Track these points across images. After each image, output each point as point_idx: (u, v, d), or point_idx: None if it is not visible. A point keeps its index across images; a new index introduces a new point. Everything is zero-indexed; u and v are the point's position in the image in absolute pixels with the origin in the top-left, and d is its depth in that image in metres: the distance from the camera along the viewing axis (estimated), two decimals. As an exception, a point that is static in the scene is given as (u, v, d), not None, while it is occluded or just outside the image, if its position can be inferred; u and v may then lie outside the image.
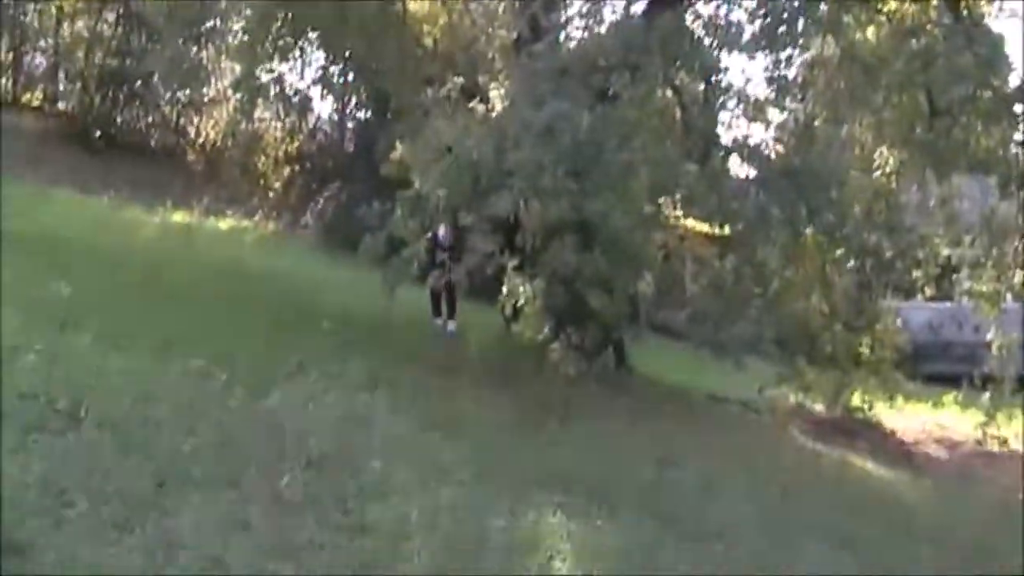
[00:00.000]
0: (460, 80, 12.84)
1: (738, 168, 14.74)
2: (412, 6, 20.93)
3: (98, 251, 14.84)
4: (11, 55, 29.23)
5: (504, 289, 12.45)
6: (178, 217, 23.02)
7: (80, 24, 29.87)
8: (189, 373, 9.93)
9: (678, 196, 13.27)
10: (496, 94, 13.63)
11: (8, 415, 7.72)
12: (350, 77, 28.20)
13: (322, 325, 13.28)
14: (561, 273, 11.96)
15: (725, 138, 14.40)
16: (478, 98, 13.67)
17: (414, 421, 10.24)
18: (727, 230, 14.28)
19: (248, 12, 19.34)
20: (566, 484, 9.34)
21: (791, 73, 13.83)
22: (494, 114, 12.96)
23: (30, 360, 9.13)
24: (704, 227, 27.20)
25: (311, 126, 32.44)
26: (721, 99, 13.77)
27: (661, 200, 14.07)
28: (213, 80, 30.32)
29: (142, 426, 8.19)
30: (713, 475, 10.88)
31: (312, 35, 21.08)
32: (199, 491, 7.25)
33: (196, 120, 31.22)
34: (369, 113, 30.27)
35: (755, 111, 13.68)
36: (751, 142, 13.46)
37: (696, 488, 10.28)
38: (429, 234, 13.24)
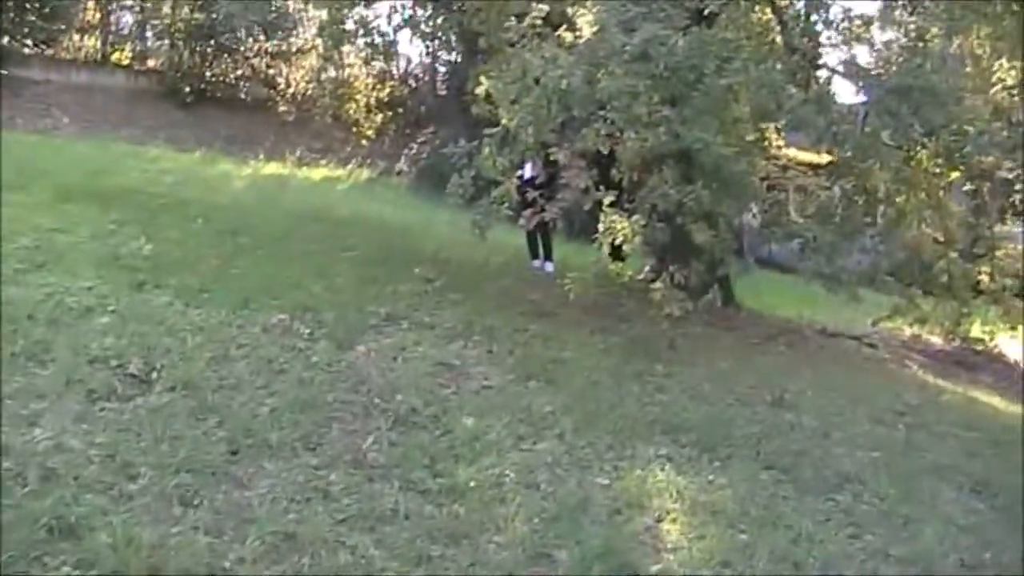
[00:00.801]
0: (545, 7, 11.99)
1: (842, 91, 13.71)
2: (497, -58, 20.24)
3: (185, 206, 14.39)
4: (98, 14, 28.90)
5: (601, 227, 11.63)
6: (270, 169, 22.70)
7: (165, -21, 29.46)
8: (270, 328, 9.38)
9: (783, 121, 12.32)
10: (585, 21, 12.77)
11: (76, 382, 7.22)
12: (438, 20, 27.73)
13: (414, 272, 12.81)
14: (661, 207, 11.16)
15: (830, 59, 13.43)
16: (565, 26, 12.87)
17: (510, 370, 9.58)
18: (831, 156, 13.34)
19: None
20: (673, 433, 8.62)
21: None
22: (583, 41, 12.12)
23: (103, 322, 8.64)
24: (806, 155, 26.21)
25: (402, 71, 32.23)
26: (824, 16, 12.74)
27: (764, 126, 13.26)
28: (300, 29, 29.94)
29: (217, 388, 7.63)
30: (832, 418, 10.08)
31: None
32: (275, 457, 6.66)
33: (286, 71, 30.84)
34: (459, 55, 29.79)
35: (862, 27, 12.64)
36: (858, 61, 12.39)
37: (814, 433, 9.48)
38: (519, 171, 12.47)
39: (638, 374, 10.32)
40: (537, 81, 11.44)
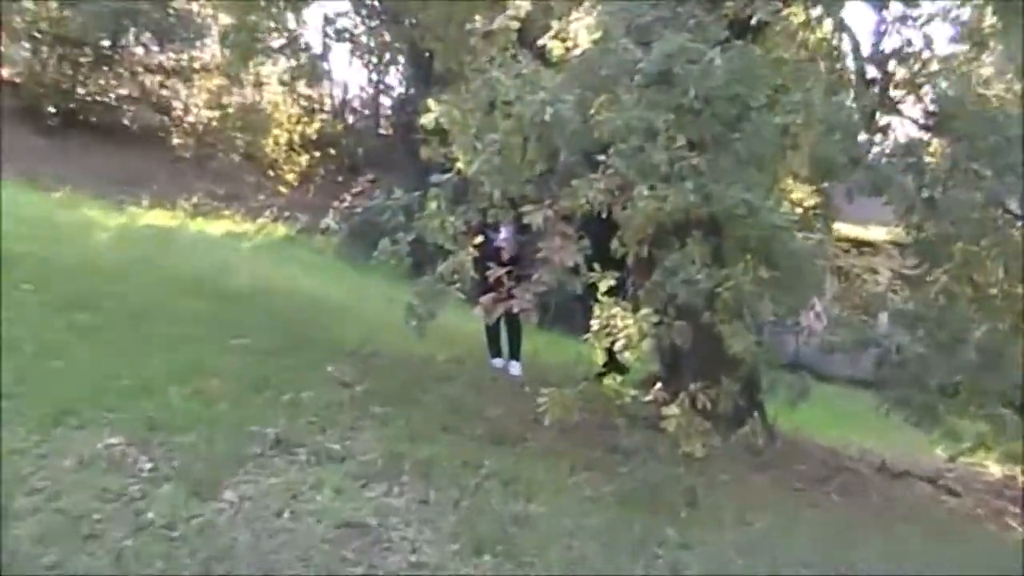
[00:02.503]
0: (524, 3, 10.47)
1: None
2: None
3: (13, 265, 12.69)
4: (-59, 10, 27.40)
5: (594, 324, 10.07)
6: (154, 218, 21.45)
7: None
8: (91, 461, 7.66)
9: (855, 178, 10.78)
10: (582, 25, 11.21)
11: None
12: (385, 37, 26.79)
13: (327, 371, 11.48)
14: (682, 299, 9.56)
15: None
16: (552, 35, 11.38)
17: (451, 536, 7.90)
18: (910, 233, 11.82)
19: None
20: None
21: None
22: (577, 54, 10.58)
23: None
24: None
25: (336, 102, 31.72)
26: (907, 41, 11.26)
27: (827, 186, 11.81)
28: (207, 41, 28.88)
29: (-30, 572, 5.81)
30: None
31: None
32: None
33: (184, 93, 29.76)
34: (409, 84, 29.26)
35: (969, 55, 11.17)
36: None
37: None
38: (480, 238, 11.14)
39: (642, 543, 8.58)
40: (508, 115, 10.02)
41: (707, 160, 9.43)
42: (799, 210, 11.16)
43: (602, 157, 9.78)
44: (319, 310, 15.56)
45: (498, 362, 14.45)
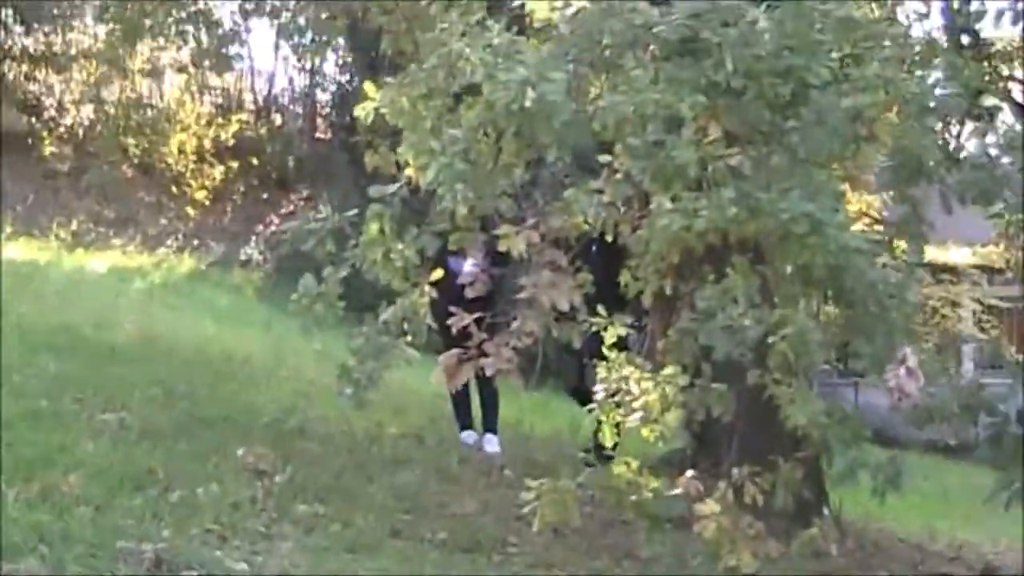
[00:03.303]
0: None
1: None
2: None
3: None
4: None
5: (599, 388, 9.83)
6: (18, 249, 21.52)
7: None
8: None
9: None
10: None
11: None
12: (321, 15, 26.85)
13: (236, 455, 11.02)
14: (722, 352, 8.97)
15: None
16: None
17: None
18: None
19: None
20: None
21: None
22: (569, 16, 10.05)
23: None
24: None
25: (260, 99, 32.30)
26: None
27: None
28: (86, 21, 29.57)
29: None
30: None
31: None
32: None
33: (60, 88, 30.03)
34: (352, 74, 29.42)
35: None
36: None
37: None
38: (439, 272, 10.56)
39: None
40: (475, 103, 9.57)
41: (752, 159, 8.99)
42: (878, 227, 10.59)
43: (605, 157, 9.41)
44: (230, 372, 15.50)
45: (469, 437, 14.31)
